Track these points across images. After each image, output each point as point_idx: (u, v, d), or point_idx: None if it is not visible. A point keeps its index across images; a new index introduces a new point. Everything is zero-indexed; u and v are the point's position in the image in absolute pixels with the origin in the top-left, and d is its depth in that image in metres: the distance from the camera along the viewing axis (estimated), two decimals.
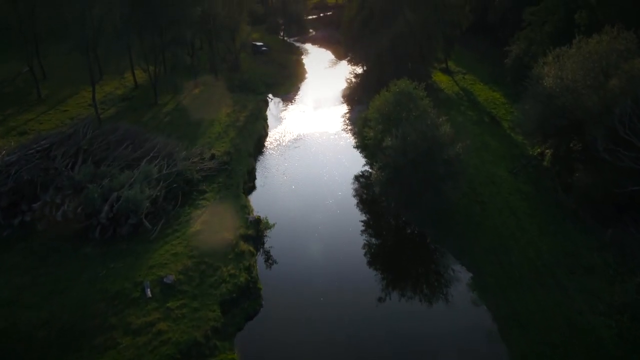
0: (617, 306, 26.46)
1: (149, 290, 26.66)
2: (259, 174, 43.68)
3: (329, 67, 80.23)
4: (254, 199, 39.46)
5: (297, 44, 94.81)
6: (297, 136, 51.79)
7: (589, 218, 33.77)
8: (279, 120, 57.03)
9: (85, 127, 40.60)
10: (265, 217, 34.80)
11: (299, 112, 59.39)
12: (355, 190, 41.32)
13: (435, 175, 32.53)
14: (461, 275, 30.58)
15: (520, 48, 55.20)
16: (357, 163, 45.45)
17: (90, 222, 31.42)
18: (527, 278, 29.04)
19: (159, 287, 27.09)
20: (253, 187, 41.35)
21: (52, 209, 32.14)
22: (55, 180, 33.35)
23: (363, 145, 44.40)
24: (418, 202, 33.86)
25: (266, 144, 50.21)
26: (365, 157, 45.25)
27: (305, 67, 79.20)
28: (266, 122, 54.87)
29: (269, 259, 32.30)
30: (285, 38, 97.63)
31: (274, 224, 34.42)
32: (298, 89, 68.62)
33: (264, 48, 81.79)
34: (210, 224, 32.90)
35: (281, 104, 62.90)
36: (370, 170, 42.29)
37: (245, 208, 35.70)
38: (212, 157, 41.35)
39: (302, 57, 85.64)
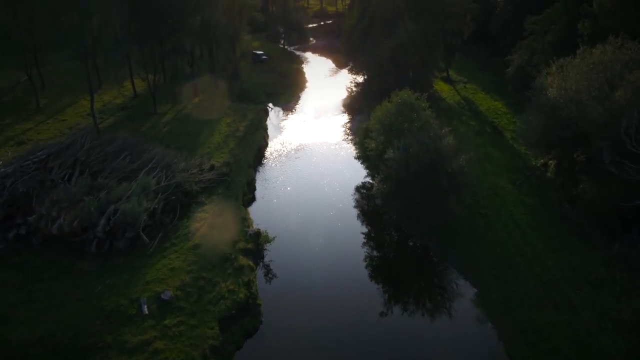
0: (625, 324, 25.83)
1: (145, 307, 25.97)
2: (258, 185, 43.10)
3: (330, 75, 79.98)
4: (254, 210, 38.87)
5: (298, 53, 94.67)
6: (298, 146, 51.28)
7: (594, 231, 33.17)
8: (279, 129, 56.56)
9: (83, 138, 40.07)
10: (265, 230, 34.19)
11: (300, 122, 58.95)
12: (357, 201, 40.74)
13: (438, 187, 32.00)
14: (465, 290, 29.91)
15: (522, 57, 54.89)
16: (358, 174, 44.90)
17: (86, 235, 30.78)
18: (534, 294, 28.37)
19: (155, 303, 26.38)
20: (253, 199, 40.75)
21: (48, 222, 31.48)
22: (52, 192, 32.69)
23: (364, 156, 43.83)
24: (420, 214, 33.33)
25: (266, 154, 49.68)
26: (367, 168, 44.68)
27: (306, 75, 78.91)
28: (266, 132, 54.39)
29: (268, 273, 31.65)
30: (286, 46, 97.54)
31: (273, 238, 33.77)
32: (298, 98, 68.25)
33: (264, 57, 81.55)
34: (209, 237, 32.24)
35: (281, 113, 62.49)
36: (371, 181, 41.74)
37: (245, 221, 35.07)
38: (212, 168, 40.78)
39: (303, 65, 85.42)
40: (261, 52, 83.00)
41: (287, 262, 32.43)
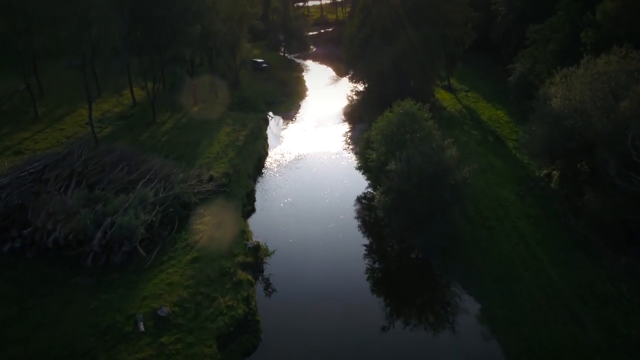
0: (634, 341, 25.17)
1: (141, 324, 25.30)
2: (258, 196, 42.51)
3: (330, 84, 79.65)
4: (253, 222, 38.25)
5: (298, 61, 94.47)
6: (298, 156, 50.74)
7: (600, 245, 32.54)
8: (280, 139, 56.07)
9: (80, 148, 39.55)
10: (265, 244, 33.54)
11: (300, 131, 58.48)
12: (358, 212, 40.14)
13: (441, 200, 31.40)
14: (469, 305, 29.21)
15: (524, 66, 54.53)
16: (359, 184, 44.30)
17: (82, 249, 30.15)
18: (539, 309, 27.69)
19: (152, 320, 25.72)
20: (252, 210, 40.15)
21: (43, 235, 30.90)
22: (47, 204, 32.07)
23: (365, 167, 43.26)
24: (423, 227, 32.71)
25: (266, 164, 49.13)
26: (368, 179, 44.07)
27: (306, 84, 78.60)
28: (266, 142, 53.90)
29: (268, 287, 30.99)
30: (286, 54, 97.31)
31: (273, 251, 33.11)
32: (299, 106, 67.84)
33: (264, 65, 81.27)
34: (207, 250, 31.61)
35: (281, 122, 62.05)
36: (372, 191, 41.15)
37: (244, 233, 34.42)
38: (211, 178, 40.20)
39: (303, 73, 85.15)
40: (261, 60, 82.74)
41: (287, 276, 31.77)
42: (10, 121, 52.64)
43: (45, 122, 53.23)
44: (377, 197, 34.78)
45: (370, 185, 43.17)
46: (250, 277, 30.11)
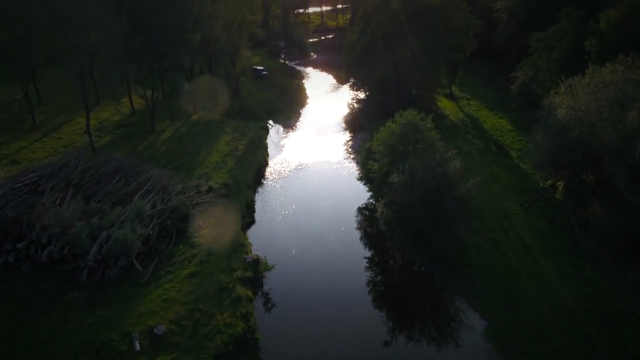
0: None
1: (137, 342, 24.53)
2: (258, 207, 41.77)
3: (331, 91, 79.16)
4: (253, 234, 37.50)
5: (298, 68, 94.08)
6: (299, 166, 50.04)
7: (608, 259, 31.80)
8: (280, 148, 55.40)
9: (77, 159, 38.89)
10: (265, 257, 32.78)
11: (300, 140, 57.80)
12: (359, 223, 39.39)
13: (445, 213, 30.68)
14: (474, 322, 28.38)
15: (526, 74, 54.01)
16: (361, 194, 43.62)
17: (77, 263, 29.41)
18: (547, 326, 26.91)
19: (148, 338, 24.94)
20: (252, 222, 39.40)
21: (38, 248, 30.20)
22: (42, 217, 31.35)
23: (367, 178, 42.54)
24: (426, 240, 31.98)
25: (266, 174, 48.38)
26: (370, 190, 43.33)
27: (307, 92, 78.10)
28: (266, 151, 53.23)
29: (268, 303, 30.16)
30: (286, 62, 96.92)
31: (273, 266, 32.33)
32: (299, 115, 67.26)
33: (264, 72, 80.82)
34: (205, 264, 30.86)
35: (282, 130, 61.43)
36: (374, 202, 40.42)
37: (244, 247, 33.66)
38: (210, 189, 39.52)
39: (303, 81, 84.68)
40: (261, 68, 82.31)
41: (288, 291, 30.94)
42: (8, 130, 52.13)
43: (42, 131, 52.70)
44: (379, 210, 34.05)
45: (371, 197, 42.42)
46: (249, 293, 29.31)
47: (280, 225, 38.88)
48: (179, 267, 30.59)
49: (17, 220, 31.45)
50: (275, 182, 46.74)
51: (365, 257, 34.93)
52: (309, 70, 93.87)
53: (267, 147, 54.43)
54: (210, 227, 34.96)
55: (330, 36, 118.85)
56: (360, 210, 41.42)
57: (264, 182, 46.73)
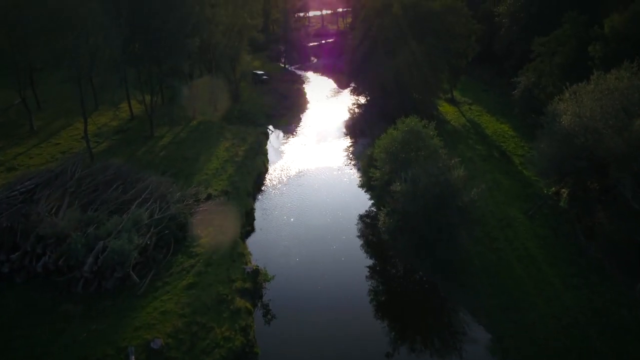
0: None
1: (133, 357, 23.87)
2: (258, 215, 41.12)
3: (331, 96, 78.60)
4: (253, 243, 36.87)
5: (299, 72, 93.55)
6: (299, 172, 49.41)
7: (615, 269, 31.16)
8: (280, 154, 54.78)
9: (74, 166, 38.35)
10: (264, 268, 32.12)
11: (301, 146, 57.16)
12: (361, 231, 38.78)
13: (448, 222, 30.05)
14: (478, 335, 27.72)
15: (529, 79, 53.47)
16: (362, 202, 43.00)
17: (72, 274, 28.77)
18: (554, 339, 26.23)
19: (144, 353, 24.27)
20: (252, 230, 38.76)
21: (33, 259, 29.57)
22: (37, 227, 30.74)
23: (368, 185, 41.91)
24: (429, 250, 31.33)
25: (266, 181, 47.72)
26: (371, 198, 42.67)
27: (307, 96, 77.49)
28: (266, 157, 52.61)
29: (267, 315, 29.52)
30: (287, 66, 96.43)
31: (273, 276, 31.63)
32: (299, 120, 66.66)
33: (264, 77, 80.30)
34: (204, 275, 30.23)
35: (282, 136, 60.85)
36: (375, 210, 39.79)
37: (243, 256, 33.00)
38: (209, 197, 38.91)
39: (304, 85, 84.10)
40: (262, 72, 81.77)
41: (288, 302, 30.28)
42: (5, 135, 51.66)
43: (40, 137, 52.20)
44: (381, 219, 33.41)
45: (373, 205, 41.75)
46: (248, 305, 28.64)
47: (280, 233, 38.24)
48: (176, 278, 29.95)
49: (11, 230, 30.85)
50: (275, 189, 46.11)
51: (367, 266, 34.34)
52: (310, 74, 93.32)
53: (267, 153, 53.84)
54: (209, 236, 34.32)
55: (330, 40, 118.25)
56: (361, 217, 40.80)
57: (264, 189, 46.09)
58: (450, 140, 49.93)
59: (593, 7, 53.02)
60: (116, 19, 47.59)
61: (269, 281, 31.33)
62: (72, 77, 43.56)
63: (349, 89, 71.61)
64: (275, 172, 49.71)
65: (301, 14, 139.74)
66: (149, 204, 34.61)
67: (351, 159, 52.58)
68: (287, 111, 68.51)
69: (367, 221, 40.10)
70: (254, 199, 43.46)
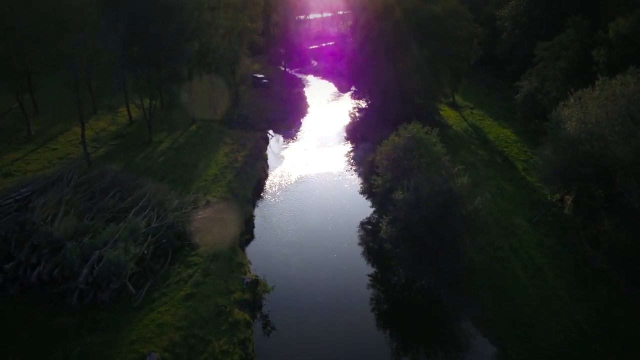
0: None
1: None
2: (257, 222, 40.45)
3: (332, 100, 78.06)
4: (252, 251, 36.20)
5: (299, 76, 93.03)
6: (299, 178, 48.78)
7: (622, 279, 30.50)
8: (280, 159, 54.14)
9: (71, 173, 37.68)
10: (264, 278, 31.43)
11: (301, 150, 56.55)
12: (362, 239, 38.14)
13: (452, 231, 29.41)
14: (483, 350, 27.07)
15: (531, 84, 52.85)
16: (363, 208, 42.36)
17: (67, 285, 28.09)
18: (562, 355, 25.56)
19: None
20: (251, 238, 38.09)
21: (27, 270, 28.89)
22: (32, 236, 30.09)
23: (370, 192, 41.26)
24: (432, 259, 30.68)
25: (266, 187, 47.06)
26: (373, 205, 42.02)
27: (307, 100, 76.87)
28: (266, 163, 51.97)
29: (267, 326, 28.85)
30: (287, 69, 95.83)
31: (272, 287, 30.92)
32: (300, 124, 66.05)
33: (264, 80, 79.71)
34: (202, 286, 29.53)
35: (282, 141, 60.22)
36: (377, 217, 39.14)
37: (242, 266, 32.28)
38: (207, 204, 38.19)
39: (304, 89, 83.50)
40: (261, 76, 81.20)
41: (288, 313, 29.62)
42: (2, 140, 50.96)
43: (38, 142, 51.52)
44: (383, 227, 32.74)
45: (375, 212, 41.09)
46: (247, 317, 27.95)
47: (280, 242, 37.56)
48: (174, 289, 29.26)
49: (5, 239, 30.20)
50: (275, 195, 45.45)
51: (369, 275, 33.74)
52: (310, 78, 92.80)
53: (267, 159, 53.21)
54: (207, 245, 33.60)
55: (331, 43, 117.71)
56: (362, 224, 40.15)
57: (264, 195, 45.44)
58: (452, 146, 49.26)
59: (596, 11, 52.45)
60: (114, 23, 46.98)
61: (268, 292, 30.61)
62: (70, 81, 42.95)
63: (349, 92, 71.03)
64: (276, 178, 49.07)
65: (301, 17, 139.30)
66: (146, 211, 33.96)
67: (352, 165, 51.95)
68: (288, 115, 67.90)
69: (369, 228, 39.46)
70: (254, 205, 42.81)
